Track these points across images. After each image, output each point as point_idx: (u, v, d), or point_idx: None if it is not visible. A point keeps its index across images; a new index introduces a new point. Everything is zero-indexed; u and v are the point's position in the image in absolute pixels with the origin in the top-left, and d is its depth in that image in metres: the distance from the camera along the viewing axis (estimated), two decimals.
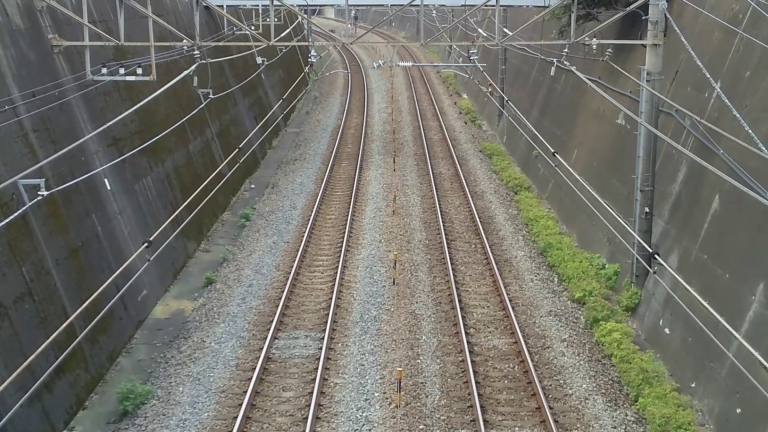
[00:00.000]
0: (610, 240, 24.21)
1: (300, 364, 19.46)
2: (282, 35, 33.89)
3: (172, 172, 27.72)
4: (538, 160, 34.45)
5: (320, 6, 40.67)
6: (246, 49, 36.54)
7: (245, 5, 37.93)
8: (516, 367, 19.22)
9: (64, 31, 22.20)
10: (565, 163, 17.79)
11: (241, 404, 17.37)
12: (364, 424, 16.79)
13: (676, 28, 19.08)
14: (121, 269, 14.76)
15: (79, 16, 21.51)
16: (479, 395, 17.65)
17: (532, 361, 19.20)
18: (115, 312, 20.20)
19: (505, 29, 31.11)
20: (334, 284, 23.79)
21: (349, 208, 31.65)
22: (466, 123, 50.76)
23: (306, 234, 28.29)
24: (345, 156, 41.69)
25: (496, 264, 25.51)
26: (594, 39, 22.95)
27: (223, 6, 31.80)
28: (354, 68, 75.76)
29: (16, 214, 11.35)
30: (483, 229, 28.91)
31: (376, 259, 26.28)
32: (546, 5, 29.27)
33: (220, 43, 28.34)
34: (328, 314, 21.73)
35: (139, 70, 22.10)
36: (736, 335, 10.64)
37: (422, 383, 18.47)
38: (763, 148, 13.82)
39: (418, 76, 73.26)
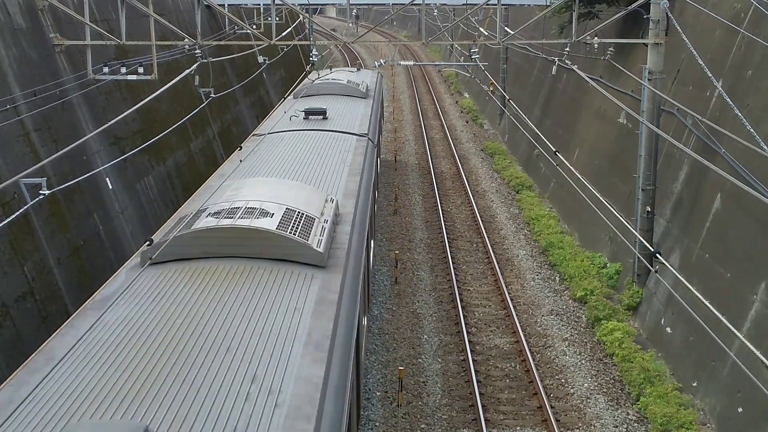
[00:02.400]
0: (611, 239, 24.20)
1: None
2: (283, 34, 33.86)
3: (174, 171, 27.73)
4: (540, 159, 34.44)
5: (321, 5, 40.65)
6: (247, 48, 36.52)
7: (247, 4, 37.90)
8: (517, 366, 19.22)
9: (65, 30, 22.21)
10: (566, 162, 17.76)
11: None
12: (365, 423, 16.80)
13: (678, 27, 19.07)
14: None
15: (81, 16, 21.52)
16: (480, 394, 17.65)
17: (533, 360, 19.20)
18: None
19: (506, 28, 31.09)
20: None
21: None
22: (467, 122, 50.76)
23: None
24: None
25: (498, 263, 25.50)
26: (595, 38, 22.94)
27: (224, 5, 31.79)
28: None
29: (17, 214, 11.34)
30: (484, 228, 28.90)
31: (377, 258, 26.27)
32: (547, 4, 29.24)
33: (222, 42, 28.34)
34: None
35: (141, 70, 22.10)
36: (738, 334, 10.63)
37: (424, 382, 18.47)
38: (765, 147, 13.81)
39: (420, 75, 73.26)
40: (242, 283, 10.48)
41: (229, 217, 11.75)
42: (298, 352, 8.76)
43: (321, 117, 22.77)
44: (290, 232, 11.60)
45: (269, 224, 11.61)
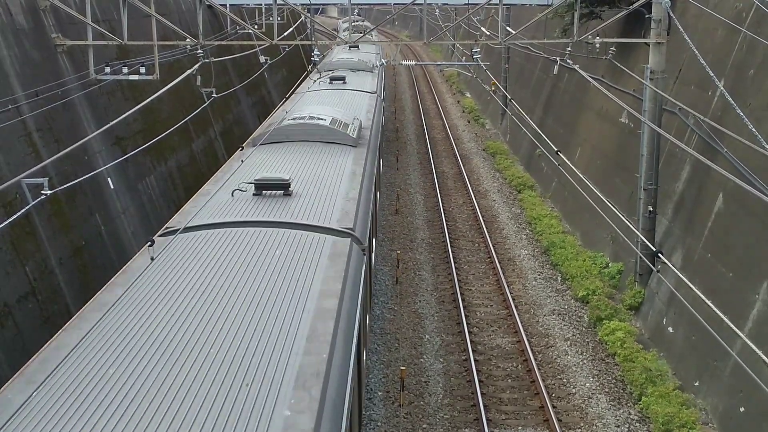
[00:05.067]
0: (613, 239, 24.19)
1: None
2: (285, 34, 33.86)
3: (176, 171, 27.74)
4: (542, 159, 34.43)
5: (323, 5, 41.16)
6: (249, 48, 36.53)
7: (248, 4, 37.93)
8: (519, 366, 19.21)
9: (67, 30, 22.23)
10: (568, 162, 17.75)
11: None
12: (367, 423, 16.80)
13: (680, 27, 19.06)
14: (124, 268, 14.75)
15: (83, 16, 21.53)
16: (482, 394, 17.64)
17: (535, 360, 19.19)
18: None
19: (508, 28, 31.08)
20: None
21: None
22: (469, 122, 50.75)
23: None
24: None
25: (499, 263, 25.49)
26: (597, 37, 22.94)
27: (226, 5, 31.79)
28: None
29: (19, 214, 11.35)
30: (486, 228, 28.89)
31: (378, 258, 26.27)
32: (549, 4, 29.23)
33: (224, 42, 28.36)
34: None
35: (143, 70, 22.10)
36: (740, 334, 10.61)
37: (425, 382, 18.47)
38: (767, 147, 13.80)
39: (421, 75, 73.26)
40: (312, 155, 18.61)
41: (301, 119, 20.76)
42: (346, 179, 16.72)
43: (342, 81, 31.76)
44: (336, 127, 20.47)
45: (324, 122, 20.57)
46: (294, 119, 21.04)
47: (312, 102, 26.04)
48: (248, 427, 7.52)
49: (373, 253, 18.71)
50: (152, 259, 11.37)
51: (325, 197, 15.19)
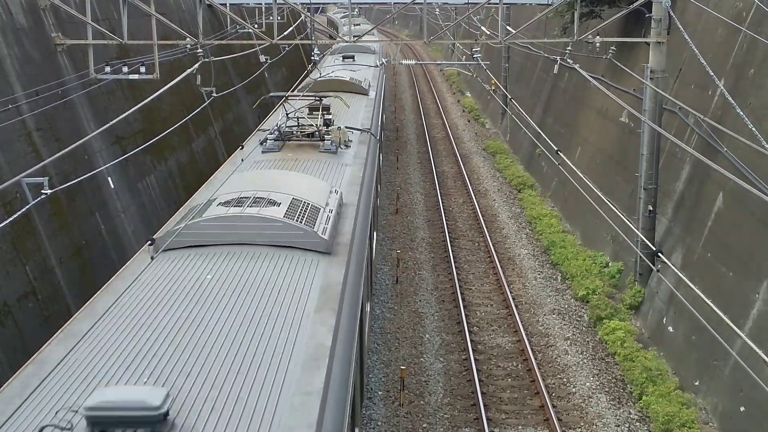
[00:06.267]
0: (613, 238, 24.19)
1: None
2: (285, 33, 33.85)
3: (176, 171, 27.74)
4: (542, 158, 34.42)
5: (323, 4, 41.61)
6: (249, 47, 36.50)
7: (248, 3, 37.88)
8: (519, 365, 19.21)
9: (67, 29, 22.22)
10: (568, 162, 17.75)
11: None
12: (367, 423, 16.80)
13: (680, 26, 19.05)
14: (124, 267, 14.74)
15: (83, 15, 21.52)
16: (482, 393, 17.64)
17: (535, 359, 19.19)
18: None
19: (508, 27, 31.07)
20: None
21: None
22: (469, 121, 50.74)
23: None
24: None
25: (500, 262, 25.49)
26: (597, 37, 22.92)
27: (226, 4, 31.76)
28: None
29: (19, 213, 11.35)
30: (486, 228, 28.89)
31: (379, 257, 26.27)
32: (549, 3, 29.21)
33: (224, 42, 28.35)
34: None
35: (143, 69, 22.09)
36: (740, 333, 10.61)
37: (425, 381, 18.46)
38: (767, 146, 13.79)
39: (422, 74, 73.21)
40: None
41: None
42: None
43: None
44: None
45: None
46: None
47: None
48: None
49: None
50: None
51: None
